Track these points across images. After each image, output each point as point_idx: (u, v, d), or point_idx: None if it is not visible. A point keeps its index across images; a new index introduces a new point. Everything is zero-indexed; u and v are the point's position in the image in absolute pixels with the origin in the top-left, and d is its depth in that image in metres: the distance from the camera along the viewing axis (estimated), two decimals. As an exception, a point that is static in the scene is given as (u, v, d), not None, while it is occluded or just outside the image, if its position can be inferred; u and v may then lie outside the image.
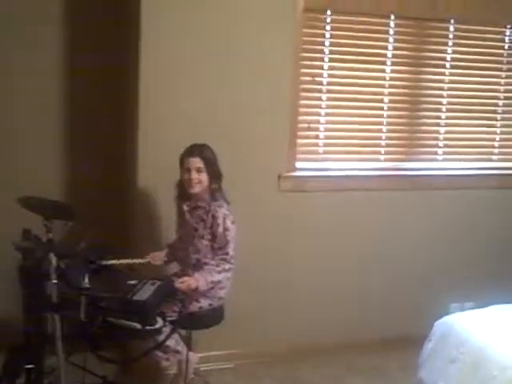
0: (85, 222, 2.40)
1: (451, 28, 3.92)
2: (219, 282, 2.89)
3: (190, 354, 2.95)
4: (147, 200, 3.38)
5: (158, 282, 2.50)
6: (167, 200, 3.17)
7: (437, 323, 3.02)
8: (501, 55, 4.08)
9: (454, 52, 3.95)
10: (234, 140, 3.46)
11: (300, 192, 3.67)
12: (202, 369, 3.32)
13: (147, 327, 2.35)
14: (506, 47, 4.08)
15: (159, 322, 2.44)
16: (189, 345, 2.97)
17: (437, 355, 2.93)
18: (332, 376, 3.49)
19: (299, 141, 3.72)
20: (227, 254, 2.91)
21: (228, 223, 2.93)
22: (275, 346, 3.67)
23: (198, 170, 2.94)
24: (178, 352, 2.89)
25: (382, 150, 3.94)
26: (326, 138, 3.80)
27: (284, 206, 3.64)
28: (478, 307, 3.12)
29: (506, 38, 4.07)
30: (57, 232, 2.43)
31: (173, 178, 3.06)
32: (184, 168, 2.96)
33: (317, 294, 3.76)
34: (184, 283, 2.77)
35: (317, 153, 3.80)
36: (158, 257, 3.07)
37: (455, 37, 3.94)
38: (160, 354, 2.81)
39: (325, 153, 3.81)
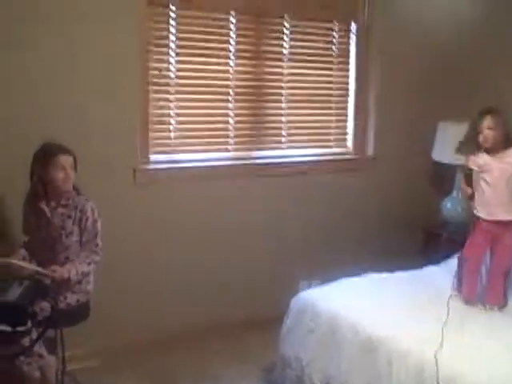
0: None
1: (285, 23, 4.18)
2: (88, 273, 2.92)
3: (51, 358, 2.88)
4: None
5: (26, 282, 2.45)
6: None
7: (293, 300, 3.24)
8: (331, 49, 4.42)
9: (291, 46, 4.22)
10: (84, 136, 3.43)
11: (155, 184, 3.74)
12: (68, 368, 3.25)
13: (17, 329, 2.31)
14: (335, 41, 4.43)
15: (28, 323, 2.42)
16: (55, 346, 2.91)
17: (295, 329, 3.14)
18: (196, 363, 3.59)
19: (151, 134, 3.78)
20: (97, 245, 2.97)
21: (96, 215, 3.00)
22: (139, 339, 3.70)
23: (70, 168, 2.97)
24: (41, 356, 2.81)
25: (230, 140, 4.11)
26: (177, 130, 3.89)
27: (140, 199, 3.69)
28: (324, 283, 3.38)
29: (335, 33, 4.42)
30: None
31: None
32: (56, 166, 2.93)
33: (175, 283, 3.86)
34: (56, 272, 2.74)
35: (169, 145, 3.88)
36: (22, 255, 2.99)
37: (291, 32, 4.21)
38: (22, 358, 2.72)
39: (176, 145, 3.90)
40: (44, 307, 2.66)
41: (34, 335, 2.67)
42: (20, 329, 2.32)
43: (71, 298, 2.92)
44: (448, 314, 2.82)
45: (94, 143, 3.49)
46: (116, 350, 3.57)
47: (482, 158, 3.19)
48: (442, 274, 3.47)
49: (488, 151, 3.18)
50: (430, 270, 3.61)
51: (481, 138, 3.15)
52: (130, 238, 3.68)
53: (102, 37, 3.47)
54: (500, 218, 3.16)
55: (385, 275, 3.45)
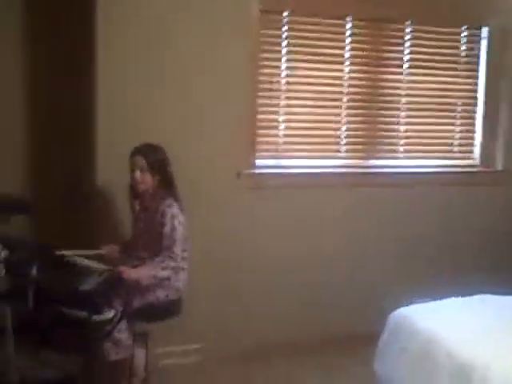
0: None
1: (407, 29, 4.00)
2: (164, 278, 2.92)
3: (139, 350, 2.97)
4: (105, 197, 3.41)
5: (106, 273, 2.53)
6: (123, 197, 3.20)
7: (391, 315, 3.04)
8: (457, 55, 4.17)
9: (412, 52, 4.03)
10: (195, 141, 3.52)
11: (259, 189, 3.70)
12: (161, 364, 3.32)
13: (94, 316, 2.39)
14: (463, 48, 4.17)
15: (109, 313, 2.49)
16: (144, 340, 3.02)
17: (390, 347, 2.95)
18: (288, 374, 3.50)
19: (259, 139, 3.77)
20: (173, 252, 2.93)
21: (175, 223, 2.97)
22: (235, 343, 3.67)
23: (141, 169, 2.99)
24: (128, 347, 2.88)
25: (342, 147, 3.99)
26: (286, 136, 3.85)
27: (244, 203, 3.67)
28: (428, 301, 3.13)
29: (462, 39, 4.16)
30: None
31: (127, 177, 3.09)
32: (131, 167, 3.01)
33: (277, 290, 3.79)
34: (124, 272, 2.80)
35: (277, 151, 3.85)
36: (112, 249, 3.11)
37: (412, 37, 4.02)
38: (110, 346, 2.80)
39: (284, 151, 3.86)
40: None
41: (121, 326, 2.78)
42: (96, 317, 2.39)
43: (160, 293, 2.96)
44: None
45: (204, 149, 3.56)
46: (211, 352, 3.59)
47: None
48: None
49: None
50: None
51: None
52: (231, 241, 3.67)
53: (215, 45, 3.52)
54: None
55: (497, 297, 3.14)
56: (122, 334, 2.83)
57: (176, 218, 2.98)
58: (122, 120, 3.38)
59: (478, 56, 4.21)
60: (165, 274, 2.92)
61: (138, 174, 2.99)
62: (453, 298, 3.10)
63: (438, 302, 3.06)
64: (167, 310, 3.00)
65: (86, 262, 2.74)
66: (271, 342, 3.71)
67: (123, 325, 2.82)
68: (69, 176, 3.54)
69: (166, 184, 3.06)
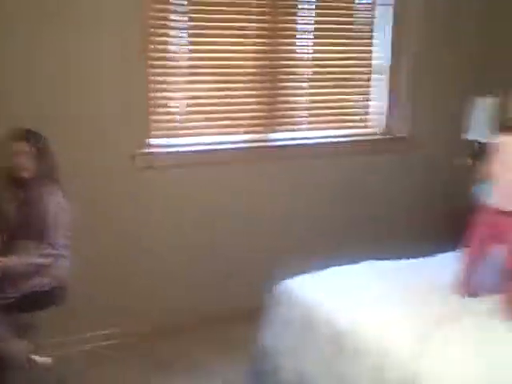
0: None
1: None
2: (42, 264, 2.88)
3: (18, 342, 2.91)
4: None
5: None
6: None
7: (274, 287, 3.03)
8: (350, 23, 4.13)
9: (307, 23, 3.98)
10: (84, 121, 3.42)
11: (154, 169, 3.63)
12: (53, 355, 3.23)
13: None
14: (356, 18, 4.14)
15: None
16: (26, 331, 2.98)
17: (274, 319, 2.96)
18: (188, 352, 3.52)
19: (155, 117, 3.69)
20: (53, 240, 2.90)
21: (58, 210, 2.93)
22: (133, 326, 3.67)
23: (26, 155, 2.92)
24: (5, 339, 2.84)
25: (241, 122, 3.94)
26: (181, 113, 3.78)
27: (139, 184, 3.61)
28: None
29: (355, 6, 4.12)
30: None
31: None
32: (14, 152, 2.92)
33: (169, 270, 3.77)
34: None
35: (173, 129, 3.78)
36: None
37: (310, 8, 3.97)
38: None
39: (180, 128, 3.80)
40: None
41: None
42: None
43: (38, 281, 2.90)
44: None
45: (95, 129, 3.46)
46: (110, 336, 3.57)
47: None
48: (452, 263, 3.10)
49: None
50: (443, 258, 3.24)
51: None
52: (129, 223, 3.63)
53: (102, 19, 3.38)
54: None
55: (382, 262, 3.16)
56: None
57: (59, 205, 2.95)
58: (7, 109, 3.21)
59: (371, 24, 4.18)
60: (43, 261, 2.88)
61: (23, 160, 2.91)
62: (339, 267, 3.10)
63: (323, 272, 3.06)
64: (47, 299, 2.95)
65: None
66: (173, 319, 3.72)
67: None
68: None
69: (48, 170, 3.00)
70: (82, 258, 3.15)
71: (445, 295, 2.76)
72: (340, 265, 3.12)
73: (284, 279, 3.04)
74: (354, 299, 2.73)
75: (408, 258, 3.25)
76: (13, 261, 2.82)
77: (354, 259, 3.16)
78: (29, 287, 2.88)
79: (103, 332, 3.59)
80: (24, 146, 2.92)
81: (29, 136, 2.94)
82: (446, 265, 3.05)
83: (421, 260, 3.24)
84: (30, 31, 3.24)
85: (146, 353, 3.52)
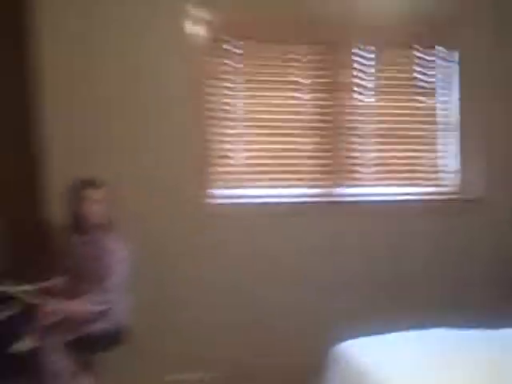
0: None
1: (372, 55, 3.90)
2: (97, 312, 2.91)
3: (84, 379, 2.96)
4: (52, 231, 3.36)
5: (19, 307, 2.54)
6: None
7: (331, 349, 2.88)
8: (413, 79, 4.01)
9: (372, 76, 3.92)
10: (146, 174, 3.49)
11: (215, 218, 3.62)
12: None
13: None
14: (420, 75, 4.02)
15: (26, 344, 2.67)
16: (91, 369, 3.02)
17: (330, 380, 2.82)
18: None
19: (216, 168, 3.69)
20: (110, 285, 2.94)
21: (117, 257, 2.98)
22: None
23: (97, 202, 3.03)
24: (71, 377, 2.87)
25: (304, 176, 3.88)
26: (243, 165, 3.76)
27: (201, 232, 3.59)
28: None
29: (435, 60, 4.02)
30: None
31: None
32: (85, 199, 3.02)
33: (228, 321, 3.66)
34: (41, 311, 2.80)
35: (235, 180, 3.76)
36: (58, 281, 3.10)
37: (378, 63, 3.91)
38: (49, 377, 2.80)
39: (242, 180, 3.77)
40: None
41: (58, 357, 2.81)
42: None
43: (97, 325, 2.93)
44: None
45: (157, 182, 3.52)
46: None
47: None
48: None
49: None
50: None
51: None
52: (191, 269, 3.58)
53: (157, 79, 3.50)
54: None
55: (451, 331, 2.91)
56: (59, 364, 2.83)
57: (117, 253, 3.00)
58: (69, 154, 3.36)
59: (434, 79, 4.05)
60: (99, 308, 2.92)
61: (93, 206, 3.02)
62: (401, 332, 2.89)
63: (385, 336, 2.86)
64: (106, 342, 2.99)
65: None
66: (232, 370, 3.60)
67: (58, 355, 2.82)
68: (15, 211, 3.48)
69: (111, 218, 3.08)
70: (147, 302, 3.23)
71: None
72: (403, 330, 2.91)
73: (342, 341, 2.88)
74: (409, 368, 2.50)
75: (477, 329, 2.99)
76: (75, 305, 2.90)
77: (419, 324, 2.94)
78: (87, 331, 2.91)
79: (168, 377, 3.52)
80: (94, 194, 3.03)
81: (97, 183, 3.05)
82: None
83: (492, 332, 2.94)
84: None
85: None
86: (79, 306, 2.91)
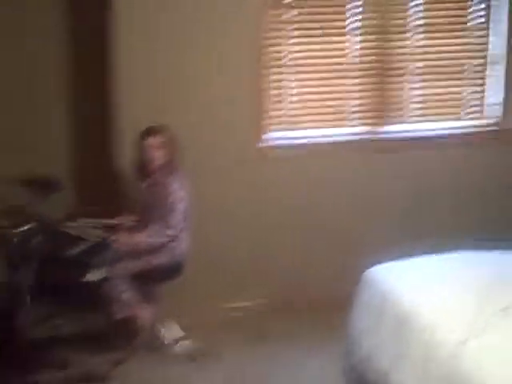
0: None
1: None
2: (158, 244, 3.38)
3: (143, 308, 3.43)
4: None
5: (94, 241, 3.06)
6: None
7: (363, 274, 3.21)
8: (464, 16, 4.17)
9: (419, 18, 4.10)
10: (206, 115, 3.87)
11: (273, 160, 4.01)
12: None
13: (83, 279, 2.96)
14: (470, 10, 4.17)
15: (98, 273, 3.07)
16: (151, 299, 3.50)
17: (360, 304, 3.15)
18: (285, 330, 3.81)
19: (272, 113, 4.05)
20: (169, 222, 3.37)
21: (176, 196, 3.40)
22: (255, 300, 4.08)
23: (157, 148, 3.43)
24: (131, 306, 3.37)
25: (353, 115, 4.18)
26: (295, 108, 4.10)
27: (258, 175, 3.98)
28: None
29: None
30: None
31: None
32: (145, 147, 3.45)
33: (277, 255, 4.08)
34: (116, 241, 3.32)
35: (287, 122, 4.11)
36: (126, 219, 3.59)
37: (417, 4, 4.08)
38: (115, 305, 3.33)
39: (295, 122, 4.12)
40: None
41: (123, 287, 3.29)
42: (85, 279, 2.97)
43: (159, 258, 3.42)
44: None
45: (216, 122, 3.89)
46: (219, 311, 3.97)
47: None
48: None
49: None
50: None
51: None
52: (244, 213, 4.02)
53: (224, 26, 3.83)
54: None
55: (473, 254, 3.21)
56: (125, 294, 3.35)
57: (177, 192, 3.42)
58: (142, 102, 3.75)
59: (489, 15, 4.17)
60: (159, 240, 3.38)
61: (153, 153, 3.44)
62: (425, 256, 3.20)
63: (408, 261, 3.18)
64: (167, 273, 3.46)
65: (88, 230, 3.28)
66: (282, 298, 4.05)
67: (124, 286, 3.34)
68: (95, 157, 3.98)
69: (173, 160, 3.49)
70: (206, 238, 3.70)
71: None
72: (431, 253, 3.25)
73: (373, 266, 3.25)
74: (425, 285, 2.86)
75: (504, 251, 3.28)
76: (138, 237, 3.38)
77: (447, 248, 3.25)
78: (150, 264, 3.41)
79: (222, 306, 4.01)
80: (152, 141, 3.44)
81: (156, 131, 3.45)
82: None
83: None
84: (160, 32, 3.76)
85: (255, 326, 3.90)
86: (142, 238, 3.38)
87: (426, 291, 2.83)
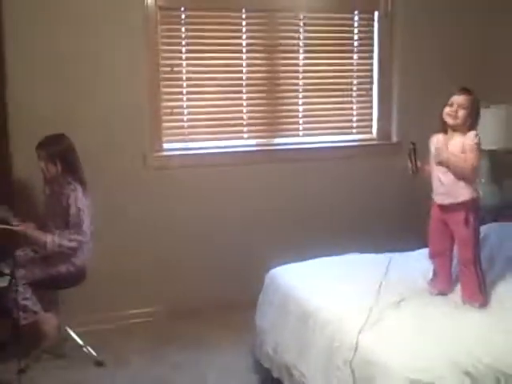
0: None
1: (301, 17, 4.39)
2: (70, 248, 3.41)
3: (47, 315, 3.44)
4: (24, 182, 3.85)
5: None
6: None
7: (266, 275, 3.49)
8: (351, 38, 4.57)
9: (306, 38, 4.44)
10: (100, 128, 3.96)
11: (165, 169, 4.14)
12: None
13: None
14: (356, 31, 4.57)
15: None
16: (52, 306, 3.51)
17: (263, 302, 3.41)
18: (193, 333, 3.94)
19: (165, 124, 4.19)
20: (81, 229, 3.42)
21: (79, 205, 3.43)
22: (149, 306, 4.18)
23: (44, 160, 3.44)
24: (35, 312, 3.36)
25: (244, 128, 4.41)
26: (190, 120, 4.26)
27: (151, 183, 4.12)
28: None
29: (355, 23, 4.56)
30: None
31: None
32: (38, 158, 3.47)
33: (176, 262, 4.23)
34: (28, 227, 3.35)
35: (183, 134, 4.27)
36: (27, 226, 3.49)
37: (306, 25, 4.42)
38: (19, 312, 3.28)
39: (190, 134, 4.28)
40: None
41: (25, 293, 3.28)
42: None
43: (62, 267, 3.45)
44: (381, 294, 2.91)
45: (110, 135, 3.99)
46: (121, 317, 4.06)
47: (437, 137, 3.04)
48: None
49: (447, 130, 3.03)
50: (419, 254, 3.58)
51: (447, 113, 2.98)
52: (139, 221, 4.12)
53: (113, 37, 3.93)
54: (442, 203, 3.01)
55: (363, 255, 3.58)
56: (28, 301, 3.33)
57: (79, 201, 3.44)
58: (32, 114, 3.77)
59: (371, 38, 4.61)
60: (70, 244, 3.40)
61: (42, 164, 3.45)
62: (323, 258, 3.53)
63: (306, 262, 3.49)
64: (70, 280, 3.48)
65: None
66: (186, 303, 4.19)
67: (27, 293, 3.33)
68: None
69: (70, 170, 3.50)
70: (105, 246, 3.74)
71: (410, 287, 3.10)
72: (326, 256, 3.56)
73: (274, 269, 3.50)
74: (325, 284, 3.15)
75: (385, 253, 3.64)
76: (46, 235, 3.37)
77: (341, 252, 3.58)
78: (53, 271, 3.42)
79: (124, 312, 4.09)
80: (40, 153, 3.45)
81: (45, 142, 3.45)
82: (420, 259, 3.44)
83: (397, 255, 3.58)
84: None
85: (159, 330, 3.99)
86: (55, 238, 3.37)
87: (325, 289, 3.12)
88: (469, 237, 2.98)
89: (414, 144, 3.03)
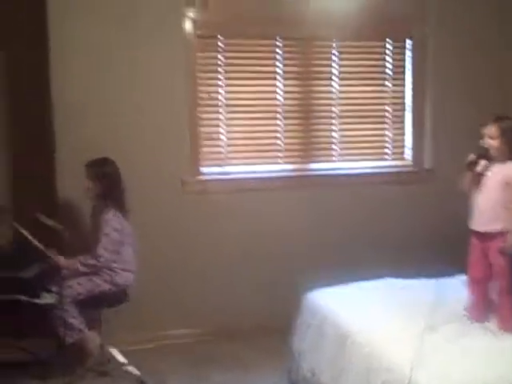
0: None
1: (334, 45, 4.50)
2: (82, 271, 3.49)
3: (91, 333, 3.53)
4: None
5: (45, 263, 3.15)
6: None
7: (304, 298, 3.53)
8: (383, 66, 4.65)
9: (339, 66, 4.52)
10: (141, 153, 4.10)
11: (204, 194, 4.25)
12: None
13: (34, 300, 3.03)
14: (388, 59, 4.65)
15: (49, 297, 3.18)
16: (95, 324, 3.59)
17: (301, 325, 3.44)
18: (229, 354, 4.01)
19: (204, 149, 4.30)
20: (96, 253, 3.49)
21: (108, 229, 3.52)
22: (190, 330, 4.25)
23: (88, 178, 3.58)
24: (80, 330, 3.46)
25: (280, 153, 4.49)
26: (228, 145, 4.37)
27: (188, 207, 4.21)
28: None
29: (387, 50, 4.64)
30: None
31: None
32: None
33: (216, 285, 4.32)
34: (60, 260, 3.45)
35: (220, 159, 4.37)
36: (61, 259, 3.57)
37: (340, 52, 4.52)
38: (65, 330, 3.37)
39: (227, 158, 4.38)
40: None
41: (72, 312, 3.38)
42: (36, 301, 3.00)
43: (103, 286, 3.54)
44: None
45: (150, 160, 4.12)
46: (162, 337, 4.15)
47: (481, 165, 3.08)
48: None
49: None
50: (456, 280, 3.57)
51: (483, 144, 3.06)
52: (180, 244, 4.23)
53: (155, 65, 4.08)
54: (480, 229, 3.04)
55: (397, 280, 3.62)
56: (74, 319, 3.43)
57: (109, 224, 3.53)
58: (80, 137, 3.93)
59: (403, 66, 4.68)
60: (83, 269, 3.49)
61: (87, 181, 3.59)
62: (357, 283, 3.57)
63: (343, 286, 3.54)
64: (112, 300, 3.58)
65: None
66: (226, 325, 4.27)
67: (73, 311, 3.42)
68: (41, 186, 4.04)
69: (112, 194, 3.61)
70: (147, 268, 3.83)
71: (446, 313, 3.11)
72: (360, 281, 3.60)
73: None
74: (362, 309, 3.19)
75: (421, 278, 3.67)
76: (67, 262, 3.48)
77: (374, 277, 3.63)
78: (96, 291, 3.52)
79: (165, 332, 4.18)
80: (86, 171, 3.58)
81: (92, 162, 3.60)
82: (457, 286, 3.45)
83: (432, 281, 3.60)
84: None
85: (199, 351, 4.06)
86: (68, 263, 3.48)
87: (361, 312, 3.17)
88: (505, 265, 2.98)
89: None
